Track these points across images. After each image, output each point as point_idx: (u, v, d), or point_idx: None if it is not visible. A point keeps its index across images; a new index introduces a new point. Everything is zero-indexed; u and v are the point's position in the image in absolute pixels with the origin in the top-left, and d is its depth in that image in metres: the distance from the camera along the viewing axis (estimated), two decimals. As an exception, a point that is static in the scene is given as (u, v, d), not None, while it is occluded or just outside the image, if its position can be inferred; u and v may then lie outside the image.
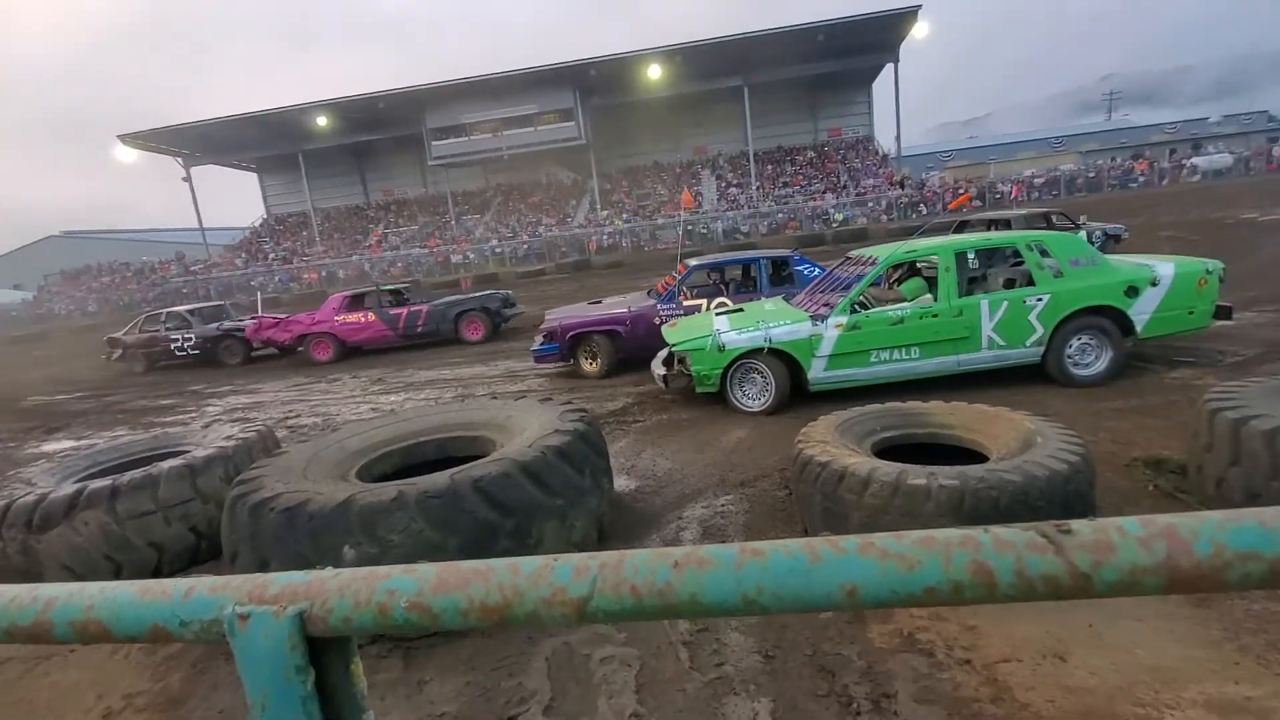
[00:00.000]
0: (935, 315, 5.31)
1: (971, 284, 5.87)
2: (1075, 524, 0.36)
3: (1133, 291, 5.26)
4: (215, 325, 12.86)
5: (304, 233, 46.47)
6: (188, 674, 2.65)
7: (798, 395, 5.54)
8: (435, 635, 2.64)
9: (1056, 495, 2.58)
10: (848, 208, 35.42)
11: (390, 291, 12.57)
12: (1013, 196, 34.45)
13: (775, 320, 5.56)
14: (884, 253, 5.78)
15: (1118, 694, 2.02)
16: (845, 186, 38.56)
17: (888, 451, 3.33)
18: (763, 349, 5.41)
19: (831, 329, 5.36)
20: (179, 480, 3.58)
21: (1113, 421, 4.46)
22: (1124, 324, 5.30)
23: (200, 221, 44.50)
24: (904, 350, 5.38)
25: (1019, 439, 3.02)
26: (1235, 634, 2.25)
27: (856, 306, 5.45)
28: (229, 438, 4.09)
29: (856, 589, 0.34)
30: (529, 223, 42.46)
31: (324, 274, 39.76)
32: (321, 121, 39.78)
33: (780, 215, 35.47)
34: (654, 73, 36.62)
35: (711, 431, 5.20)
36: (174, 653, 2.79)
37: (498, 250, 37.87)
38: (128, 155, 39.73)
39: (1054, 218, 11.32)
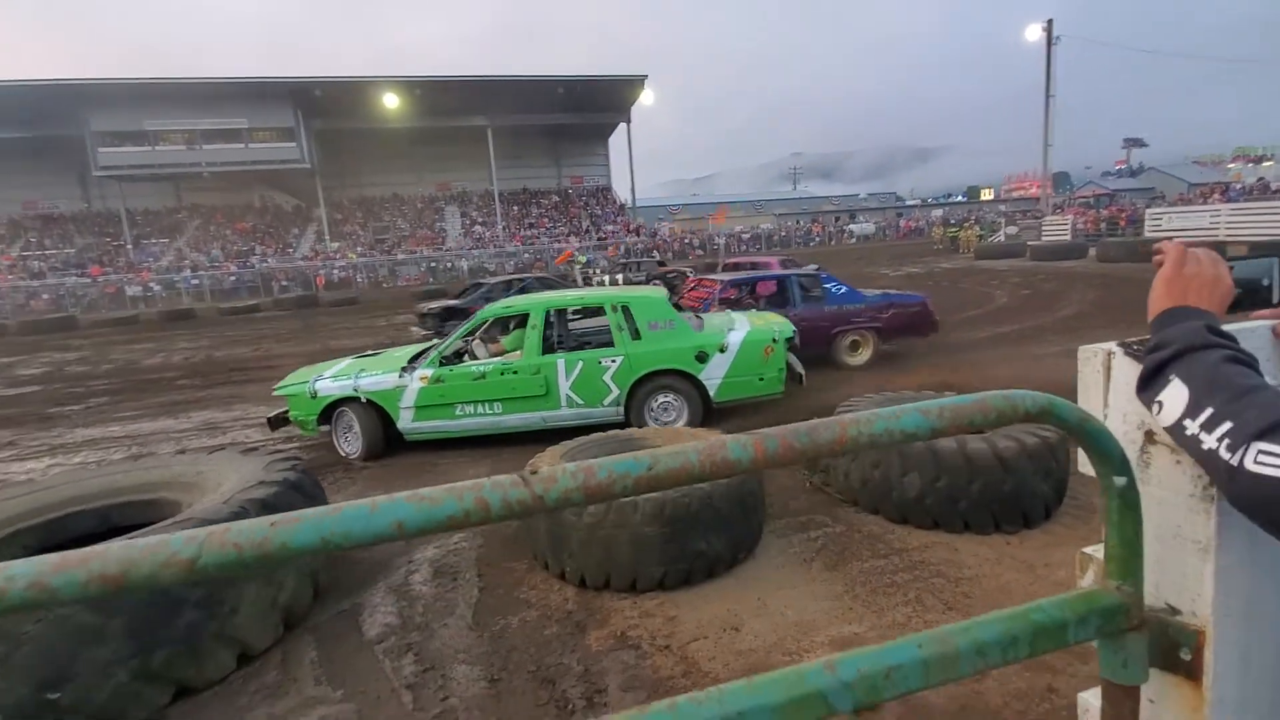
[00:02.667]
0: (515, 372, 5.32)
1: (561, 342, 5.81)
2: (537, 471, 0.55)
3: (703, 357, 5.37)
4: None
5: (-119, 250, 34.23)
6: None
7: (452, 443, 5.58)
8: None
9: (734, 495, 3.13)
10: (590, 251, 37.70)
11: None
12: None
13: (371, 370, 5.54)
14: (490, 311, 5.77)
15: (774, 648, 2.53)
16: (588, 231, 41.06)
17: (608, 473, 3.68)
18: (358, 398, 5.38)
19: (416, 381, 5.37)
20: None
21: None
22: (699, 387, 5.43)
23: None
24: (487, 405, 5.38)
25: (709, 452, 3.59)
26: (852, 587, 2.96)
27: (450, 359, 5.48)
28: None
29: (403, 522, 0.49)
30: (238, 251, 37.02)
31: (-84, 307, 29.61)
32: (-81, 106, 30.02)
33: (526, 255, 36.33)
34: (390, 101, 35.15)
35: (454, 472, 5.13)
36: None
37: (193, 282, 32.24)
38: None
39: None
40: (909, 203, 71.09)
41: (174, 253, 36.40)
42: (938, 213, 56.59)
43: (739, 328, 5.59)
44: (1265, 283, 0.86)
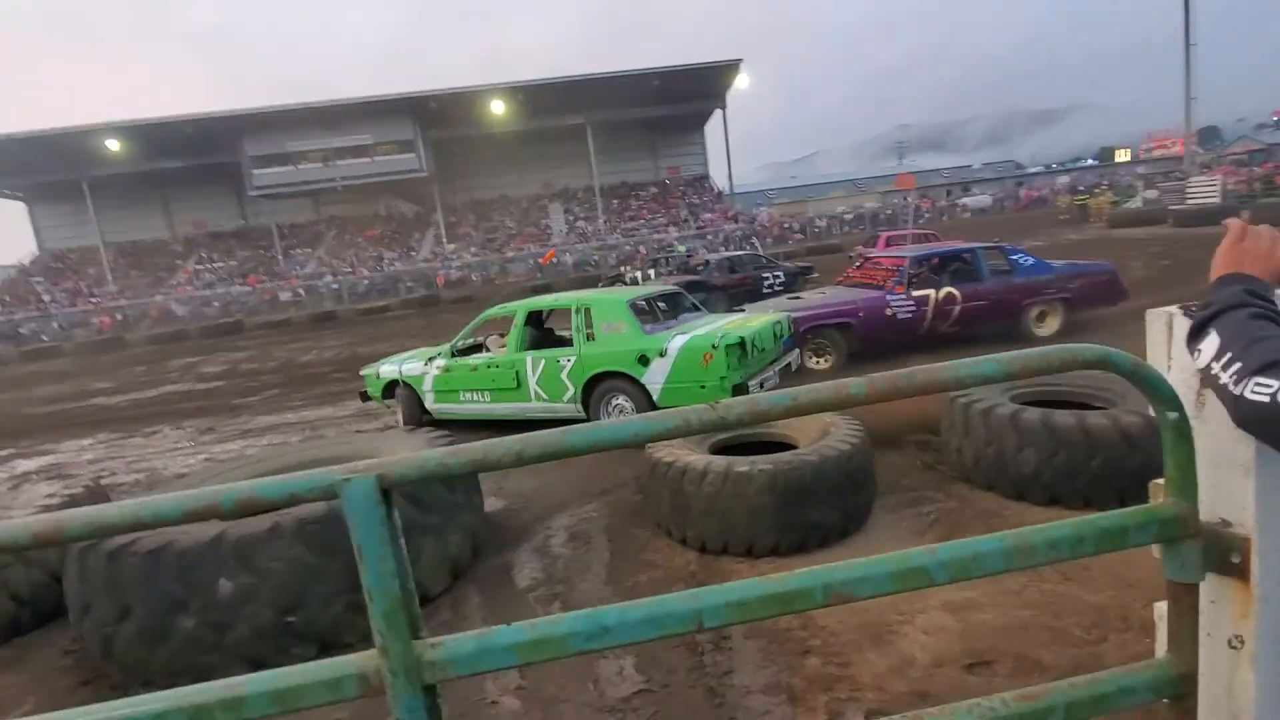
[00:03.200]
0: (497, 366, 5.87)
1: (541, 340, 6.23)
2: (725, 400, 0.81)
3: (645, 360, 5.31)
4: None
5: (91, 270, 40.49)
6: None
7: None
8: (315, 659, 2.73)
9: (845, 469, 3.29)
10: (690, 240, 37.84)
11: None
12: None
13: (414, 358, 6.55)
14: (491, 312, 6.30)
15: (886, 609, 2.68)
16: (686, 220, 41.22)
17: (723, 450, 3.94)
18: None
19: (434, 369, 6.22)
20: (-5, 544, 3.27)
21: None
22: (645, 390, 5.39)
23: (-54, 259, 37.11)
24: (480, 394, 6.00)
25: (820, 430, 3.75)
26: (966, 558, 3.04)
27: (463, 352, 6.39)
28: (50, 496, 3.77)
29: (638, 433, 0.77)
30: (369, 257, 40.47)
31: (120, 316, 34.85)
32: (114, 145, 35.22)
33: (628, 247, 37.06)
34: (497, 108, 36.97)
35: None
36: (13, 721, 2.60)
37: (334, 286, 35.60)
38: None
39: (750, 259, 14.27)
40: (1030, 170, 65.25)
41: (315, 261, 40.43)
42: (1063, 179, 51.66)
43: (690, 333, 5.42)
44: None
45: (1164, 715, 0.96)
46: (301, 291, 35.40)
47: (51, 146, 34.98)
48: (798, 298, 8.30)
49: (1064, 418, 3.38)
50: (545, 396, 5.75)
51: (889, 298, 7.33)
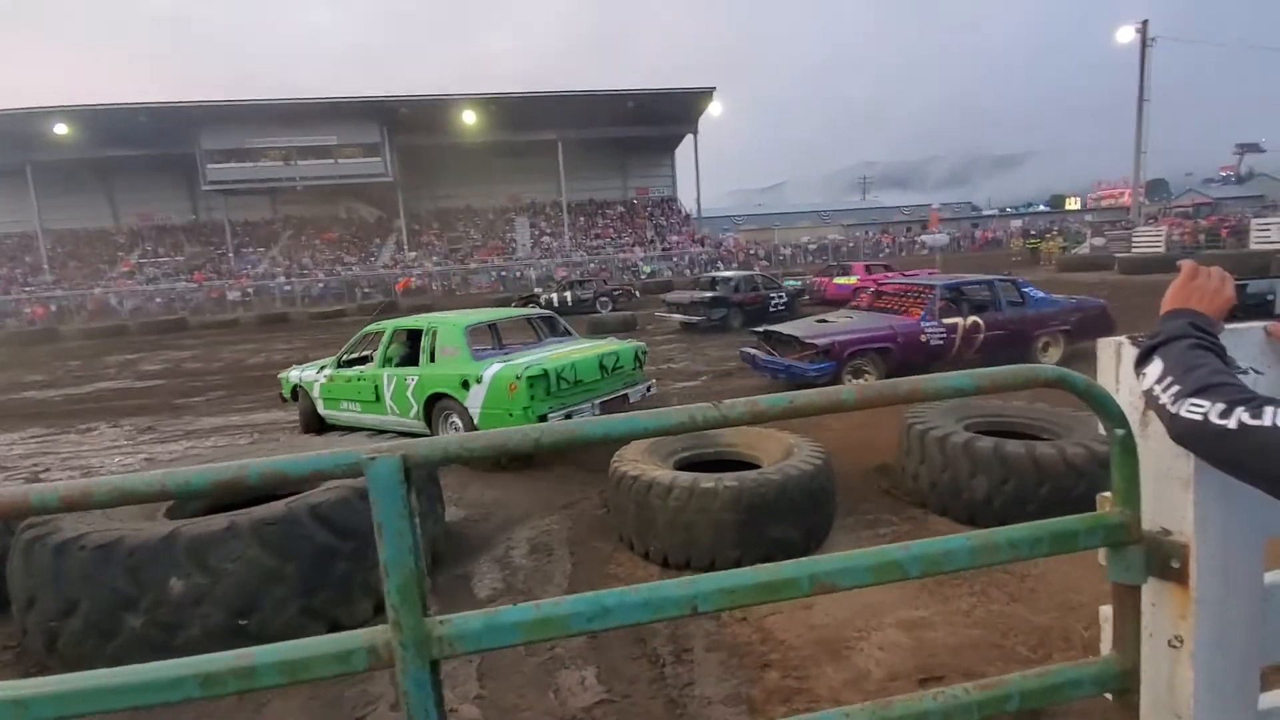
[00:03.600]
0: (363, 380, 6.20)
1: (405, 359, 6.30)
2: (723, 401, 0.87)
3: (466, 385, 5.46)
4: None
5: (27, 258, 38.39)
6: None
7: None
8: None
9: (807, 488, 3.39)
10: (655, 261, 38.24)
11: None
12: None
13: (313, 365, 6.98)
14: (369, 328, 6.72)
15: (844, 625, 2.77)
16: (653, 241, 41.65)
17: (686, 466, 4.00)
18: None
19: (322, 377, 6.62)
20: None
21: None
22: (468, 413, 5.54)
23: None
24: (354, 404, 6.35)
25: (783, 450, 3.86)
26: (920, 579, 3.16)
27: (349, 363, 6.66)
28: (-19, 488, 3.56)
29: (648, 427, 0.82)
30: (326, 260, 39.52)
31: (54, 307, 33.09)
32: (61, 129, 33.67)
33: (592, 265, 37.18)
34: (468, 118, 36.87)
35: (539, 463, 5.56)
36: None
37: (286, 288, 34.60)
38: None
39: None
40: (986, 212, 68.37)
41: (269, 260, 39.24)
42: (1017, 223, 54.30)
43: (509, 361, 5.54)
44: (1269, 297, 1.11)
45: (1110, 711, 1.05)
46: (251, 291, 34.27)
47: (-8, 125, 33.21)
48: (825, 320, 8.37)
49: (1014, 447, 3.56)
50: (397, 411, 5.98)
51: (923, 324, 7.57)
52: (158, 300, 33.96)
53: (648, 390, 6.35)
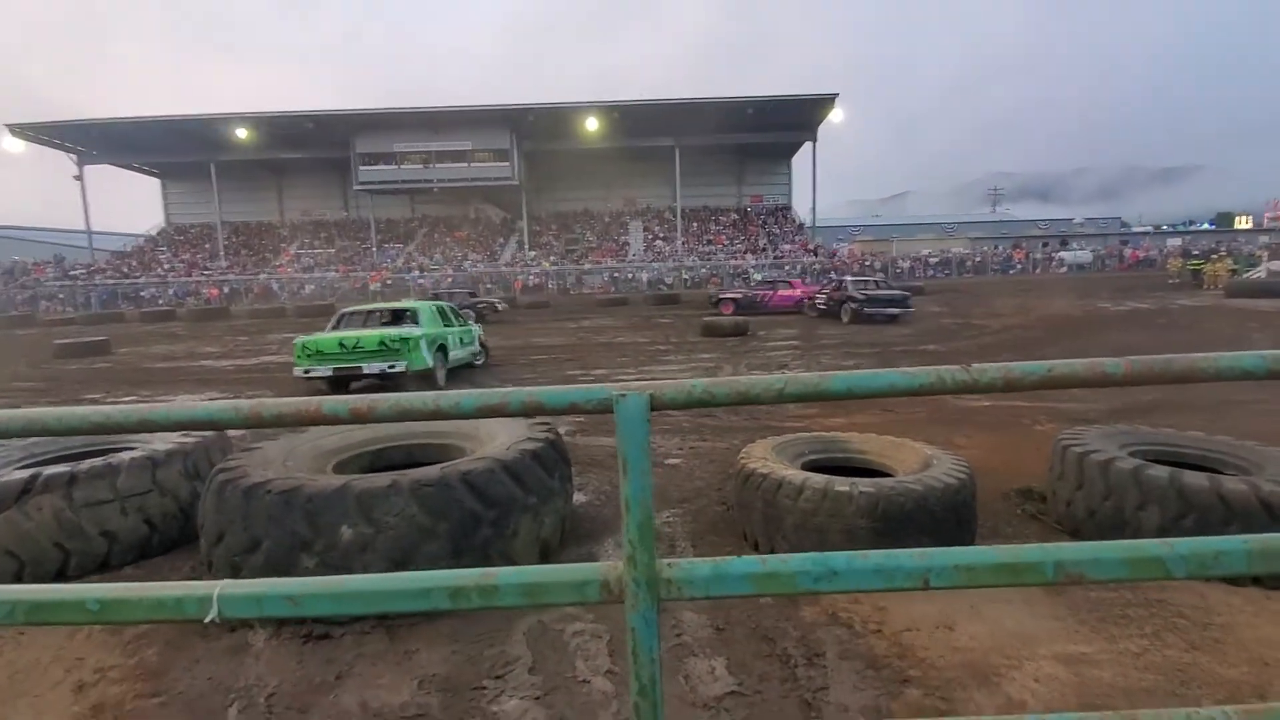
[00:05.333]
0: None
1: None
2: (973, 365, 0.83)
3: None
4: None
5: (207, 245, 43.91)
6: (163, 649, 2.72)
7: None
8: (417, 615, 2.86)
9: (949, 502, 3.19)
10: (766, 269, 37.61)
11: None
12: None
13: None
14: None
15: (991, 651, 2.57)
16: (764, 249, 41.03)
17: (813, 469, 3.88)
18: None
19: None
20: (140, 471, 3.59)
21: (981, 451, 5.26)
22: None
23: (88, 223, 41.10)
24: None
25: (919, 461, 3.65)
26: (1076, 612, 2.88)
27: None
28: (186, 434, 4.10)
29: (895, 384, 0.80)
30: (454, 256, 42.17)
31: (226, 290, 37.58)
32: (241, 133, 38.29)
33: (704, 270, 37.16)
34: (590, 124, 38.05)
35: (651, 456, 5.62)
36: (143, 632, 2.84)
37: (419, 280, 37.24)
38: (13, 146, 36.31)
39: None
40: (1136, 229, 61.42)
41: (405, 256, 42.49)
42: (1175, 242, 48.35)
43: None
44: None
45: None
46: (391, 282, 37.23)
47: (186, 130, 38.39)
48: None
49: (1196, 479, 3.16)
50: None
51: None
52: (309, 287, 37.72)
53: (387, 368, 8.52)
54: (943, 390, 0.80)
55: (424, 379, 8.86)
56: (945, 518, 3.18)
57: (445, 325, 9.79)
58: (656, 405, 0.79)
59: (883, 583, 0.82)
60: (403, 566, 2.79)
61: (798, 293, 21.88)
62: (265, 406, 0.84)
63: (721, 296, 22.50)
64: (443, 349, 9.41)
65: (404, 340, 8.59)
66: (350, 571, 2.71)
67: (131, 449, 3.96)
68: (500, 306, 24.91)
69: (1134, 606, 2.90)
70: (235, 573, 2.85)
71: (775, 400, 0.80)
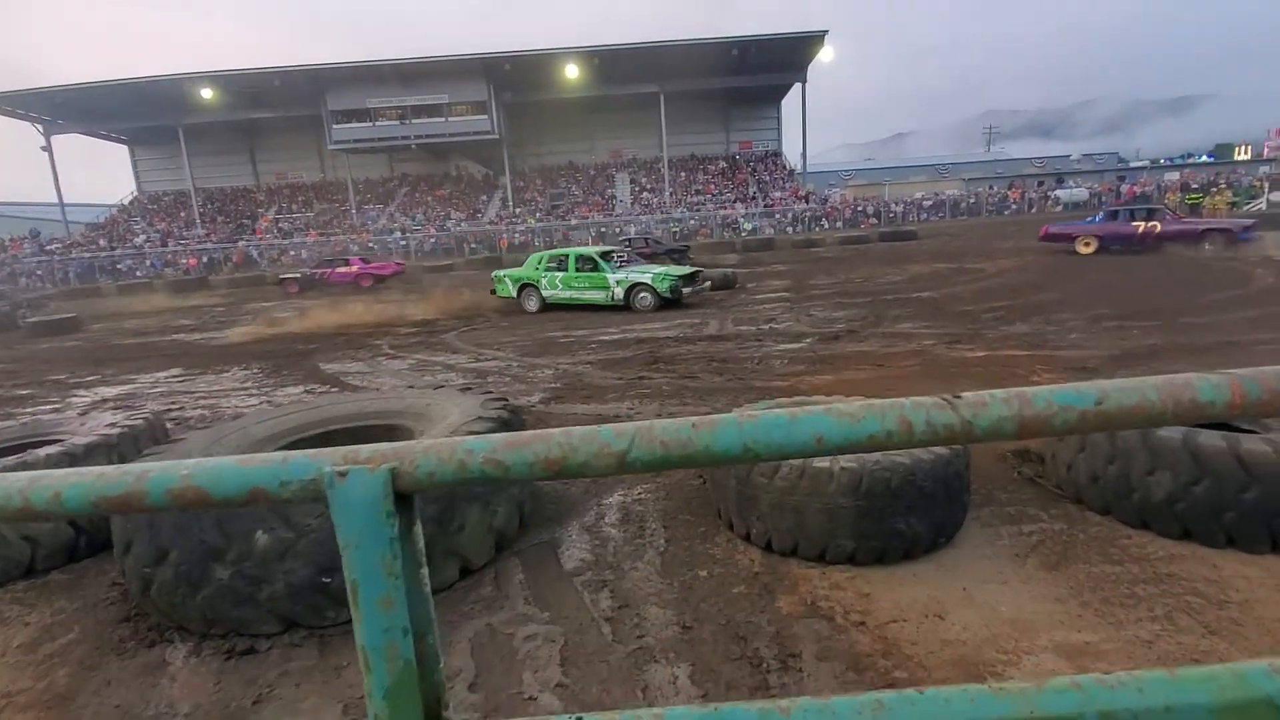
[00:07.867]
0: (594, 277, 12.14)
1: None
2: (963, 394, 0.49)
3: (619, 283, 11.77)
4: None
5: (182, 213, 42.65)
6: (75, 670, 2.45)
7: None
8: (348, 623, 2.59)
9: (939, 475, 2.90)
10: (756, 218, 36.85)
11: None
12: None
13: (525, 274, 12.95)
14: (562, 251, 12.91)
15: (985, 644, 2.32)
16: (754, 198, 40.09)
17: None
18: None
19: (544, 280, 12.60)
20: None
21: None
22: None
23: (60, 196, 39.78)
24: (585, 289, 12.18)
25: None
26: (1079, 592, 2.63)
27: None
28: (112, 425, 3.77)
29: (823, 437, 0.46)
30: (437, 215, 41.11)
31: (205, 259, 36.66)
32: (207, 94, 36.66)
33: (693, 222, 36.36)
34: (571, 72, 36.56)
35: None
36: (56, 650, 2.56)
37: (402, 243, 36.38)
38: (-30, 116, 34.75)
39: None
40: (1133, 164, 60.08)
41: (386, 217, 41.39)
42: (1173, 176, 47.30)
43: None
44: None
45: None
46: (373, 246, 36.33)
47: (150, 93, 36.67)
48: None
49: (1211, 439, 2.87)
50: (616, 295, 11.88)
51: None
52: (291, 254, 36.79)
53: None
54: (914, 442, 0.46)
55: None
56: (935, 491, 2.89)
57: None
58: (404, 487, 0.45)
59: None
60: (329, 573, 2.50)
61: (355, 269, 23.24)
62: None
63: (283, 276, 23.78)
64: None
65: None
66: (271, 583, 2.42)
67: (53, 442, 3.63)
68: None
69: (1141, 583, 2.65)
70: (146, 585, 2.56)
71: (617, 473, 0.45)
